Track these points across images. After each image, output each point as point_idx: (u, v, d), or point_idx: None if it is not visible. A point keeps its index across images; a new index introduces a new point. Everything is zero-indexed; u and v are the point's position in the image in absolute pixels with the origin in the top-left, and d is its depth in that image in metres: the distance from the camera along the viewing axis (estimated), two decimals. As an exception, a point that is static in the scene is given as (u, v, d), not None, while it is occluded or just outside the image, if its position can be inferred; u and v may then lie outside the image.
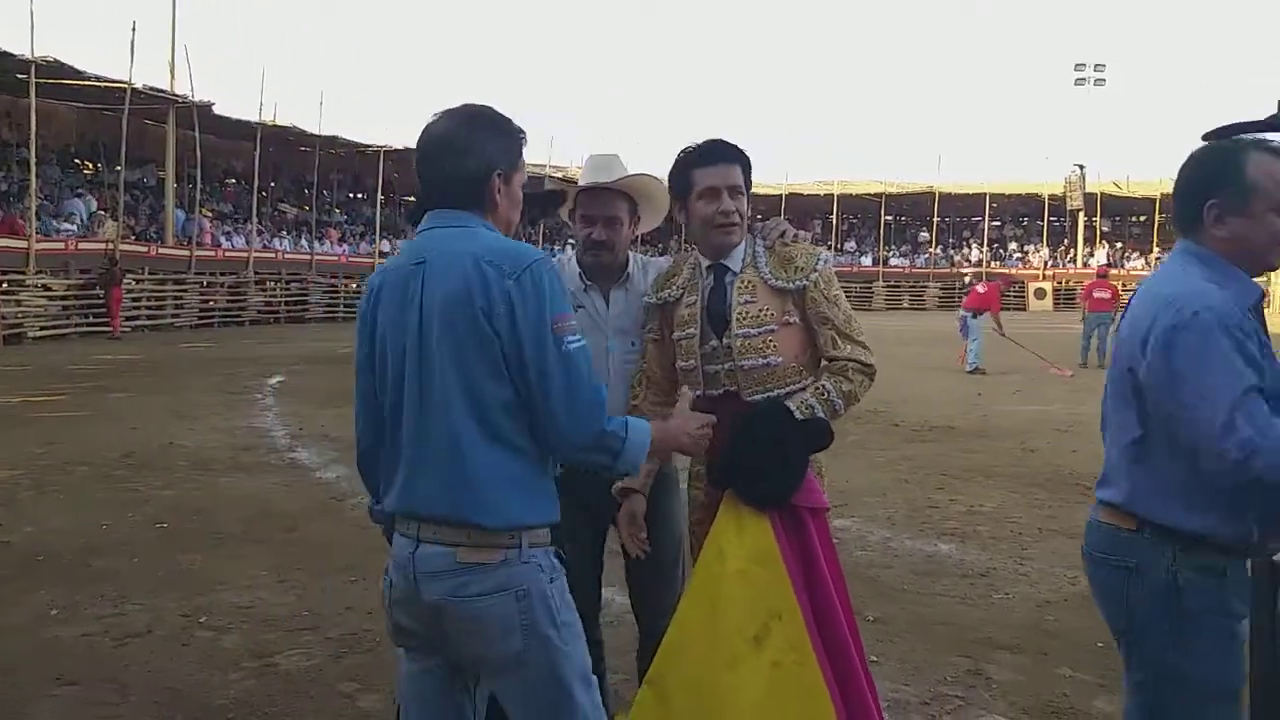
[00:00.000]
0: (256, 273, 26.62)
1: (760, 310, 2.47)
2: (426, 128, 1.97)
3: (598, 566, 2.85)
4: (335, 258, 29.89)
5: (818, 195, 39.80)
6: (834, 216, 39.61)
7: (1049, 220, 41.29)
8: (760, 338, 2.45)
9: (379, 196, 31.11)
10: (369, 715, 3.41)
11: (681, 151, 2.54)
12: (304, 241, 29.32)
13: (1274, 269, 2.05)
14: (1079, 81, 43.78)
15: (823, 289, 2.45)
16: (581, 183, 2.83)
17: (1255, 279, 2.01)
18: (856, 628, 2.31)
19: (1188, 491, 1.93)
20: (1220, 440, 1.82)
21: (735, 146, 2.54)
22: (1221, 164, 2.01)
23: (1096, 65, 43.53)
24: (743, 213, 2.50)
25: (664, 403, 2.68)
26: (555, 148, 46.69)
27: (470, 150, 1.92)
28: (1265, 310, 1.99)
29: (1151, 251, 40.54)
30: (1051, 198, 39.99)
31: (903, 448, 8.69)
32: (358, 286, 30.31)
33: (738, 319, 2.47)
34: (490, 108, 2.00)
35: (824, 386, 2.41)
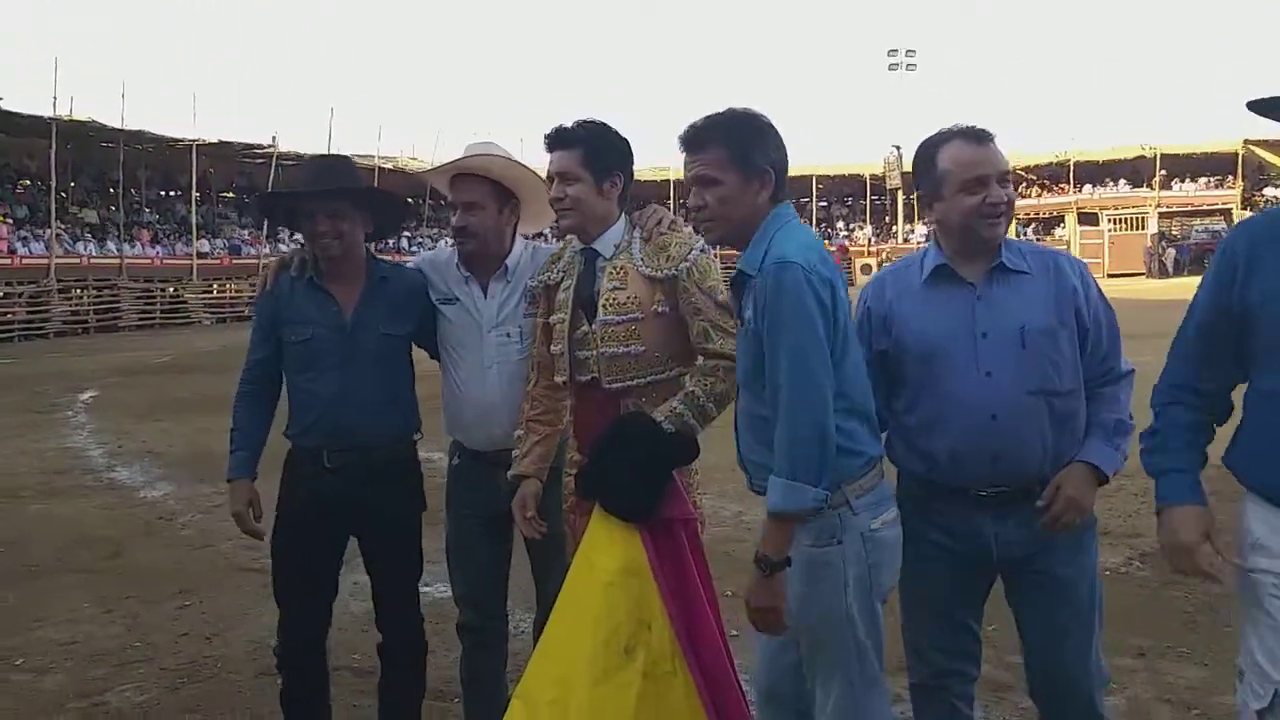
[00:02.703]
0: (59, 280, 24.59)
1: (629, 298, 2.40)
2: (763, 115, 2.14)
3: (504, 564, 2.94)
4: (148, 261, 27.93)
5: (655, 181, 40.26)
6: (671, 201, 40.22)
7: (871, 199, 43.34)
8: (623, 326, 2.39)
9: (194, 194, 29.30)
10: (214, 746, 3.21)
11: None
12: (111, 245, 27.24)
13: (991, 238, 2.23)
14: (892, 67, 46.13)
15: (696, 279, 2.38)
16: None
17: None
18: (725, 633, 2.28)
19: None
20: None
21: (571, 131, 2.46)
22: (922, 159, 2.31)
23: (908, 51, 45.99)
24: (575, 197, 2.42)
25: (554, 387, 2.60)
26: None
27: None
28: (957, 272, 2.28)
29: (964, 225, 43.17)
30: (872, 178, 42.01)
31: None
32: (175, 291, 28.50)
33: (604, 305, 2.42)
34: None
35: (694, 392, 2.35)
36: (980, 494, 2.25)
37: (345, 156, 3.13)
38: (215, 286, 30.32)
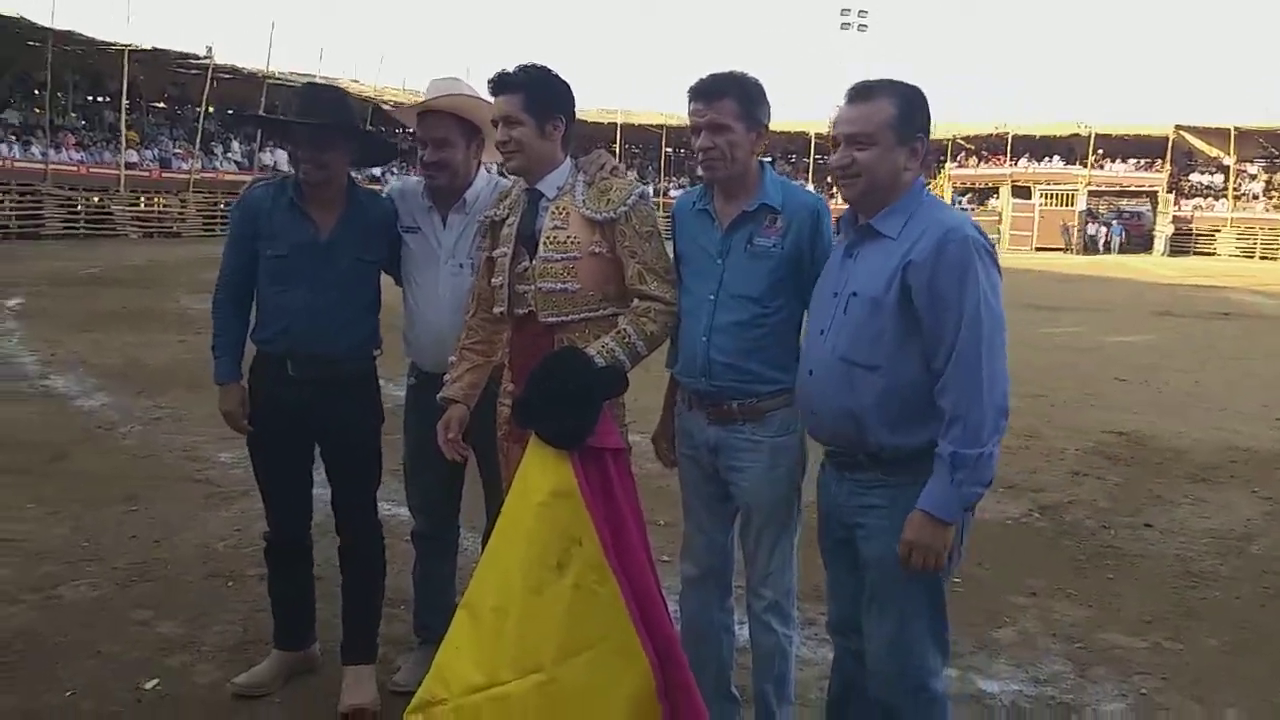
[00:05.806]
0: (-20, 182, 23.56)
1: (568, 238, 2.52)
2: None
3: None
4: (74, 168, 26.84)
5: (601, 124, 39.88)
6: (617, 146, 39.93)
7: (815, 157, 43.63)
8: (562, 264, 2.51)
9: (123, 101, 28.16)
10: (169, 639, 3.36)
11: None
12: (35, 149, 26.08)
13: (847, 200, 2.27)
14: (844, 26, 46.17)
15: (634, 224, 2.52)
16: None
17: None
18: (653, 560, 2.47)
19: None
20: None
21: (513, 75, 2.50)
22: None
23: (860, 11, 46.01)
24: (519, 140, 2.50)
25: (491, 319, 2.73)
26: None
27: None
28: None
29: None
30: (818, 136, 42.18)
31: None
32: (99, 201, 27.51)
33: (544, 243, 2.55)
34: None
35: (626, 330, 2.47)
36: (828, 449, 2.34)
37: (339, 87, 3.20)
38: (143, 199, 29.32)
